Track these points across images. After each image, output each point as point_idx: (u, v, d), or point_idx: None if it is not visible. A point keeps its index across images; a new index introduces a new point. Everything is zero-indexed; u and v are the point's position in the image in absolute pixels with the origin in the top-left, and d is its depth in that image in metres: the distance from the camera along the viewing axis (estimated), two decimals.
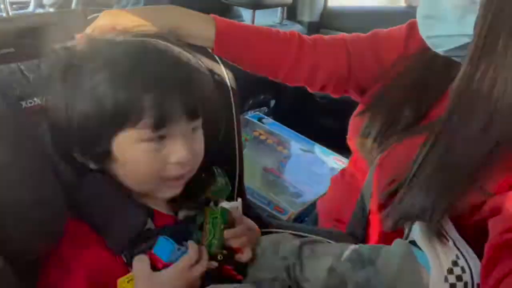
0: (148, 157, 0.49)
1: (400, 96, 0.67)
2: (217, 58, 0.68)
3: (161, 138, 0.49)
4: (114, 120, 0.47)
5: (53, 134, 0.53)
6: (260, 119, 1.30)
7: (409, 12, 0.77)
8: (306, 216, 1.00)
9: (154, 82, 0.47)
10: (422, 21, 0.61)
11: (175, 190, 0.54)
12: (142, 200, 0.55)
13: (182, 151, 0.50)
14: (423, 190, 0.55)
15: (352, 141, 0.76)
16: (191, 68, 0.52)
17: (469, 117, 0.53)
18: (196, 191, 0.60)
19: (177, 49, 0.53)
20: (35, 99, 0.59)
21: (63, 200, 0.48)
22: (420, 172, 0.57)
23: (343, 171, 0.86)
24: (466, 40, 0.55)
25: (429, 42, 0.62)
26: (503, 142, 0.52)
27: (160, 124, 0.47)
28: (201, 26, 0.65)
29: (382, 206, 0.68)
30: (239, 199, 0.63)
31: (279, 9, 1.58)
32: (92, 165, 0.52)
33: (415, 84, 0.67)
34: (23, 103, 0.58)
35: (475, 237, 0.55)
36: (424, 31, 0.61)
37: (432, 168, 0.56)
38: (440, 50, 0.61)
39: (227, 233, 0.56)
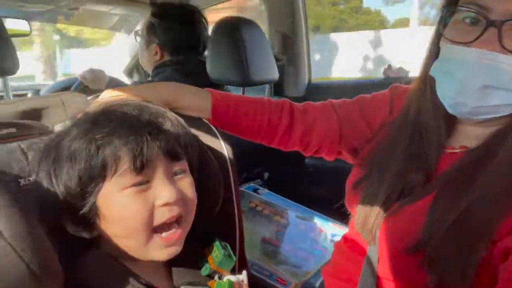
0: (135, 203, 0.49)
1: (403, 162, 0.67)
2: (216, 133, 0.71)
3: (145, 183, 0.49)
4: (93, 173, 0.48)
5: (47, 212, 0.51)
6: (255, 190, 1.30)
7: (388, 84, 0.82)
8: (311, 286, 0.95)
9: (126, 128, 0.49)
10: (479, 91, 0.57)
11: (173, 247, 0.52)
12: (143, 277, 0.52)
13: (166, 191, 0.49)
14: (450, 251, 0.56)
15: (352, 208, 0.75)
16: (164, 116, 0.54)
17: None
18: (199, 265, 0.59)
19: (155, 106, 0.55)
20: (32, 177, 0.60)
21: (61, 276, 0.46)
22: (440, 233, 0.58)
23: (345, 236, 0.84)
24: None
25: (475, 111, 0.60)
26: None
27: (139, 167, 0.48)
28: (198, 98, 0.69)
29: (392, 271, 0.67)
30: (244, 272, 0.61)
31: (267, 85, 1.68)
32: (85, 234, 0.51)
33: (414, 147, 0.67)
34: (21, 181, 0.58)
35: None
36: (478, 101, 0.58)
37: (451, 226, 0.57)
38: (483, 118, 0.61)
39: None
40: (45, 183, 0.51)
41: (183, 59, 1.30)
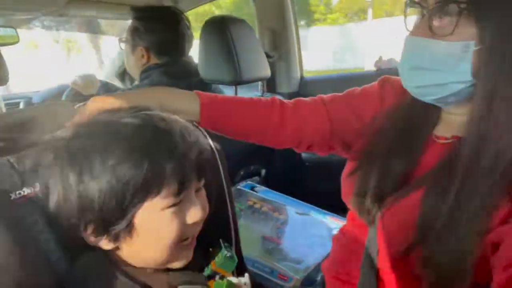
0: (173, 223, 0.50)
1: (388, 151, 0.68)
2: (203, 132, 0.70)
3: (180, 203, 0.51)
4: (138, 193, 0.48)
5: (57, 221, 0.51)
6: (252, 188, 1.30)
7: (380, 76, 0.81)
8: (312, 280, 0.96)
9: (171, 150, 0.49)
10: (409, 72, 0.62)
11: (188, 255, 0.55)
12: (140, 278, 0.52)
13: (199, 211, 0.52)
14: (444, 244, 0.56)
15: (347, 199, 0.75)
16: (196, 134, 0.54)
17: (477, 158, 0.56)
18: (201, 265, 0.59)
19: (174, 118, 0.55)
20: (24, 189, 0.59)
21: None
22: (435, 225, 0.57)
23: (342, 229, 0.84)
24: (460, 86, 0.58)
25: (416, 92, 0.63)
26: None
27: (182, 189, 0.50)
28: (186, 102, 0.68)
29: (391, 263, 0.67)
30: (246, 274, 0.61)
31: (260, 83, 1.67)
32: (105, 246, 0.51)
33: (399, 136, 0.68)
34: (12, 195, 0.57)
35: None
36: (412, 81, 0.63)
37: (445, 219, 0.57)
38: (429, 99, 0.63)
39: None
40: (63, 191, 0.49)
41: (169, 61, 1.29)
